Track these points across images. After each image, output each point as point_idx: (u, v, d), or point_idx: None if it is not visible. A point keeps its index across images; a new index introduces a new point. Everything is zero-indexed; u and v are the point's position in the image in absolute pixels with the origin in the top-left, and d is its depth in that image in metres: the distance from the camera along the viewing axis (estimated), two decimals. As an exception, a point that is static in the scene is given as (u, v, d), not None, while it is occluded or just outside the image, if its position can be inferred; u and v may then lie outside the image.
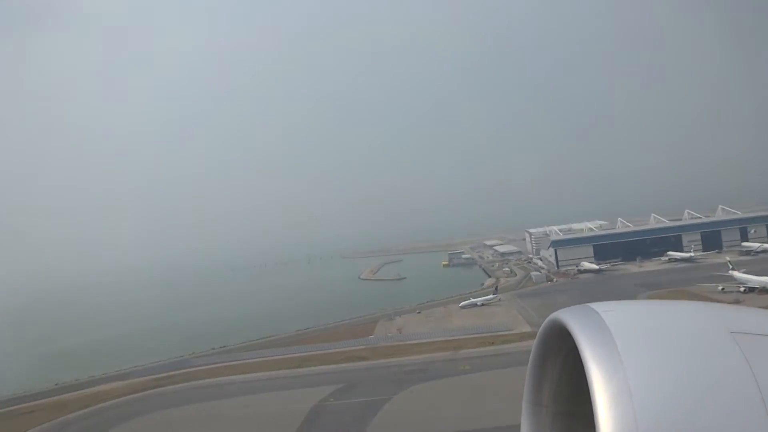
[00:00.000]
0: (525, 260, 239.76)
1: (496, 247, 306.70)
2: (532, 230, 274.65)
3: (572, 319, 5.13)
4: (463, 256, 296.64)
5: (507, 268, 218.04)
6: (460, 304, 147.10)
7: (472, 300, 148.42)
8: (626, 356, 4.49)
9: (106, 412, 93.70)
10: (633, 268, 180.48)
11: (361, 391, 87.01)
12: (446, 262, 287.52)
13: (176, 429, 79.88)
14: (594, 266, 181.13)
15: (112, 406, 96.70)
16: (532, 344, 5.97)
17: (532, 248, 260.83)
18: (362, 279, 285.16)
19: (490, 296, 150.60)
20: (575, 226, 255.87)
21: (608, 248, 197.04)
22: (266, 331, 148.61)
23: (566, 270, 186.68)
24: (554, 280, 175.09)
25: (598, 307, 5.19)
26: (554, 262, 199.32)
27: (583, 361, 4.61)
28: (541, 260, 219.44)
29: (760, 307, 5.73)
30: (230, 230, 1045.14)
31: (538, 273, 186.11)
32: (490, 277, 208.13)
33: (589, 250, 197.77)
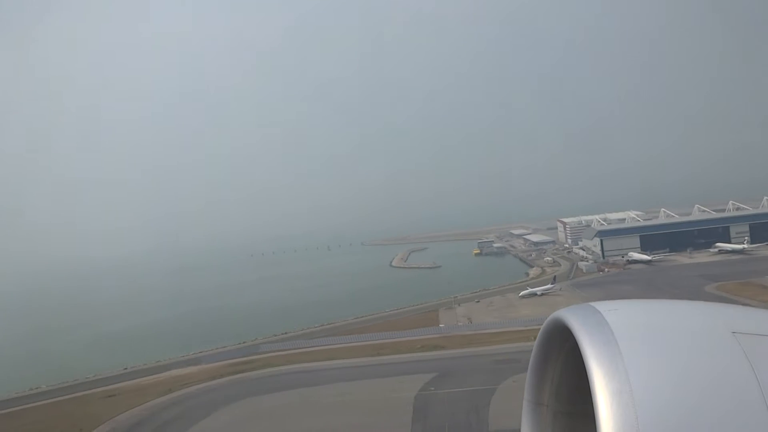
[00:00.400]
0: (564, 250, 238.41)
1: (527, 237, 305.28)
2: (566, 220, 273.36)
3: (574, 317, 5.12)
4: (494, 245, 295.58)
5: (548, 258, 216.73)
6: (520, 294, 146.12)
7: (531, 290, 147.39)
8: (628, 355, 4.49)
9: (195, 397, 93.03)
10: (683, 259, 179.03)
11: (459, 380, 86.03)
12: (477, 251, 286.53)
13: (282, 416, 79.10)
14: (645, 257, 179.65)
15: (198, 391, 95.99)
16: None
17: (566, 238, 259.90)
18: (394, 266, 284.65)
19: (549, 286, 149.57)
20: (611, 215, 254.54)
21: (654, 239, 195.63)
22: (320, 319, 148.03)
23: (614, 260, 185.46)
24: (605, 270, 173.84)
25: (600, 306, 5.19)
26: (600, 252, 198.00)
27: (584, 359, 4.61)
28: (583, 250, 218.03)
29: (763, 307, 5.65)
30: (233, 219, 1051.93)
31: (587, 263, 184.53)
32: (532, 267, 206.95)
33: (636, 241, 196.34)
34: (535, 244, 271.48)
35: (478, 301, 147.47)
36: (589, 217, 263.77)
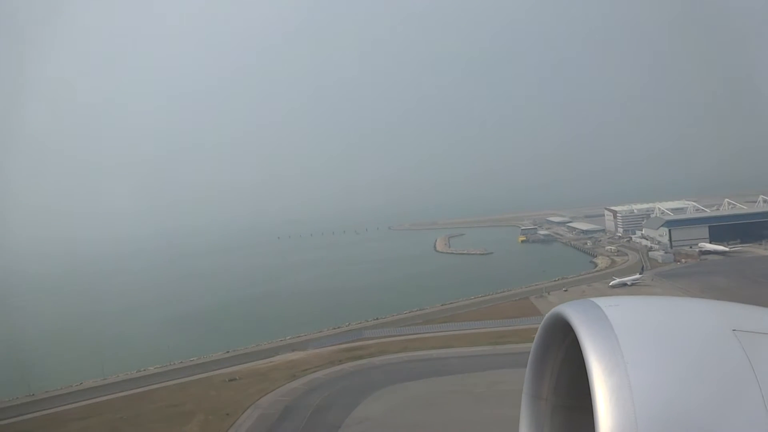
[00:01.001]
0: (619, 239, 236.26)
1: (570, 224, 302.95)
2: (616, 208, 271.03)
3: (574, 313, 5.19)
4: (540, 232, 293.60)
5: (611, 247, 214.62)
6: (610, 284, 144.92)
7: (620, 279, 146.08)
8: (627, 351, 4.56)
9: (328, 384, 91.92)
10: (759, 250, 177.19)
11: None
12: (523, 238, 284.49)
13: (442, 404, 77.97)
14: (720, 248, 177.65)
15: (328, 378, 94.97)
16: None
17: (616, 227, 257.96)
18: (440, 252, 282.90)
19: (637, 276, 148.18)
20: (661, 205, 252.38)
21: (724, 229, 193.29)
22: (398, 305, 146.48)
23: (686, 251, 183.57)
24: (683, 261, 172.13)
25: (600, 301, 5.28)
26: (667, 242, 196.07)
27: (584, 354, 4.68)
28: (646, 239, 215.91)
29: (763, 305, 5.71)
30: (244, 203, 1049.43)
31: (661, 253, 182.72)
32: (594, 256, 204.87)
33: (704, 231, 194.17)
34: (584, 232, 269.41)
35: (566, 290, 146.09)
36: (642, 206, 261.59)
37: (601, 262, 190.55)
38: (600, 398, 4.31)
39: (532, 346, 6.15)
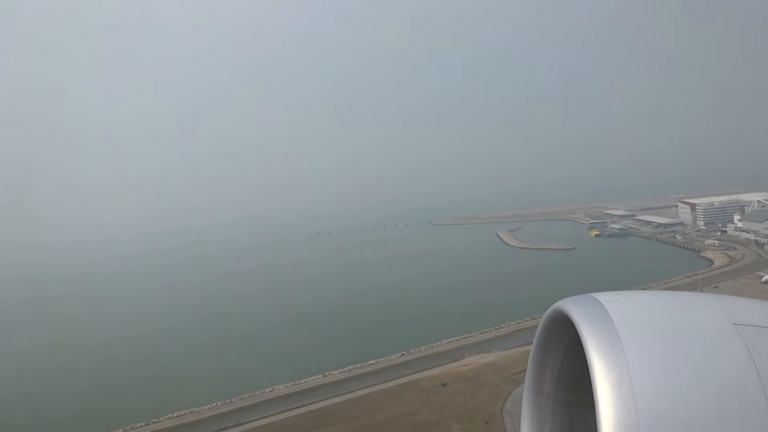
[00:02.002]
0: (713, 232, 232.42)
1: (642, 217, 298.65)
2: (694, 201, 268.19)
3: (575, 308, 5.24)
4: (613, 226, 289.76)
5: (712, 241, 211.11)
6: (763, 279, 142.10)
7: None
8: (628, 346, 4.59)
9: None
10: None
11: None
12: (597, 232, 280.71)
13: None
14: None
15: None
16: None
17: (695, 220, 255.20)
18: (512, 246, 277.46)
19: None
20: (744, 197, 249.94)
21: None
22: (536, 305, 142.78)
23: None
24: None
25: (601, 296, 5.34)
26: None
27: (585, 350, 4.72)
28: (747, 232, 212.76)
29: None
30: (261, 200, 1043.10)
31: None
32: (698, 252, 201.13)
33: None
34: (664, 225, 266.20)
35: (715, 286, 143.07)
36: (721, 198, 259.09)
37: (717, 258, 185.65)
38: (601, 394, 4.31)
39: (533, 342, 6.15)
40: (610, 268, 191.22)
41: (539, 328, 6.08)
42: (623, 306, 5.14)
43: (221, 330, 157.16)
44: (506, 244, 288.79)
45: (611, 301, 5.18)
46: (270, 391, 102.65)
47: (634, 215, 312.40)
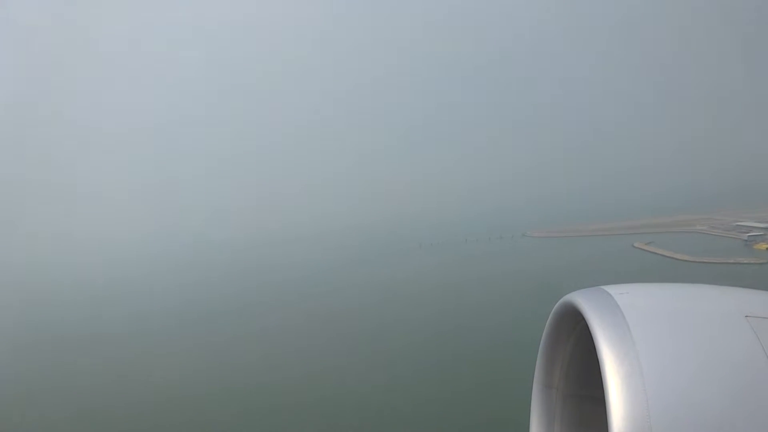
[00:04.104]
0: None
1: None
2: None
3: (585, 300, 5.22)
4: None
5: None
6: None
7: None
8: (639, 339, 4.58)
9: None
10: None
11: None
12: (766, 245, 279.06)
13: None
14: None
15: None
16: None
17: None
18: (687, 261, 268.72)
19: None
20: None
21: None
22: None
23: None
24: None
25: (611, 289, 5.30)
26: None
27: (595, 343, 4.70)
28: None
29: None
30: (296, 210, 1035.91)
31: None
32: None
33: None
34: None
35: None
36: None
37: None
38: (612, 387, 4.30)
39: (542, 336, 6.12)
40: None
41: (549, 321, 5.99)
42: (633, 298, 5.06)
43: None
44: (673, 258, 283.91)
45: (621, 293, 5.12)
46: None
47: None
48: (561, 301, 5.65)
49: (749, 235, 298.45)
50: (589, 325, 4.86)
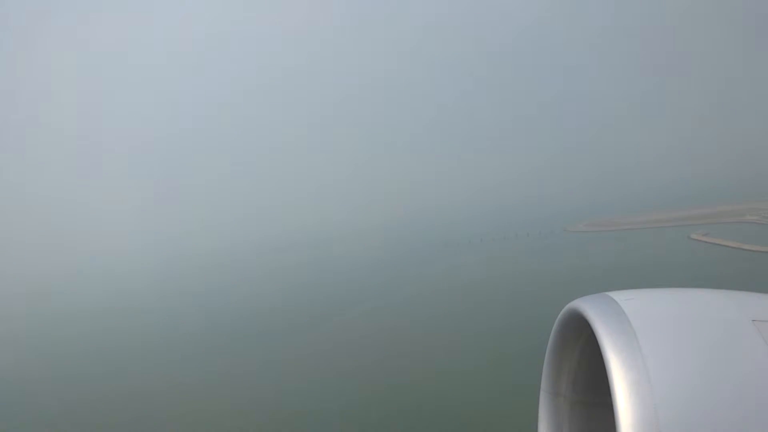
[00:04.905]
0: None
1: None
2: None
3: (590, 307, 5.23)
4: None
5: None
6: None
7: None
8: (645, 345, 4.56)
9: None
10: None
11: None
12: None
13: None
14: None
15: None
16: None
17: None
18: (761, 251, 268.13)
19: None
20: None
21: None
22: None
23: None
24: None
25: (616, 295, 5.33)
26: None
27: (601, 350, 4.69)
28: None
29: None
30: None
31: None
32: None
33: None
34: None
35: None
36: None
37: None
38: (619, 394, 4.29)
39: (548, 343, 6.13)
40: None
41: (554, 328, 6.00)
42: (639, 304, 5.06)
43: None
44: (740, 248, 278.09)
45: (627, 299, 5.12)
46: None
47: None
48: (566, 308, 5.63)
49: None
50: (595, 333, 4.86)
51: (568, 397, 6.21)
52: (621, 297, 5.18)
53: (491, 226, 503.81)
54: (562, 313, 5.77)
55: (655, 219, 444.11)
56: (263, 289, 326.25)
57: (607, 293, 5.34)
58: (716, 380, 4.32)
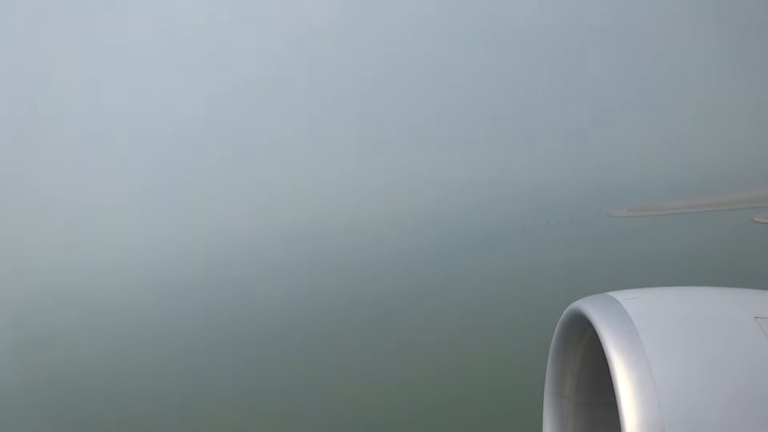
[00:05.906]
0: None
1: None
2: None
3: (592, 308, 5.18)
4: None
5: None
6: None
7: None
8: (648, 344, 4.52)
9: None
10: None
11: None
12: None
13: None
14: None
15: None
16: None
17: None
18: None
19: None
20: None
21: None
22: None
23: None
24: None
25: (618, 295, 5.28)
26: None
27: (604, 350, 4.67)
28: None
29: None
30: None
31: None
32: None
33: None
34: None
35: None
36: None
37: None
38: (623, 394, 4.24)
39: (551, 344, 6.09)
40: None
41: (556, 330, 5.88)
42: (641, 304, 4.97)
43: None
44: None
45: (629, 299, 5.00)
46: None
47: None
48: (568, 309, 5.52)
49: None
50: (598, 333, 4.73)
51: (573, 398, 6.06)
52: (623, 297, 5.05)
53: (519, 213, 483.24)
54: (564, 314, 5.63)
55: (703, 203, 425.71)
56: (324, 284, 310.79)
57: (608, 293, 5.20)
58: (720, 378, 4.20)
